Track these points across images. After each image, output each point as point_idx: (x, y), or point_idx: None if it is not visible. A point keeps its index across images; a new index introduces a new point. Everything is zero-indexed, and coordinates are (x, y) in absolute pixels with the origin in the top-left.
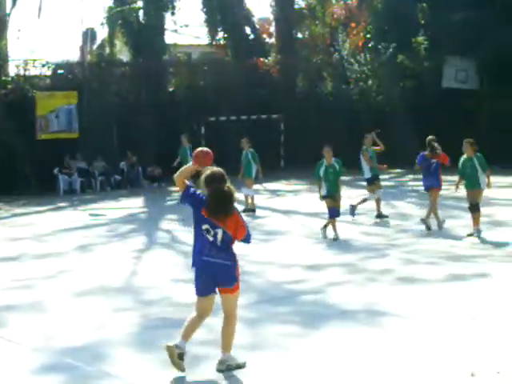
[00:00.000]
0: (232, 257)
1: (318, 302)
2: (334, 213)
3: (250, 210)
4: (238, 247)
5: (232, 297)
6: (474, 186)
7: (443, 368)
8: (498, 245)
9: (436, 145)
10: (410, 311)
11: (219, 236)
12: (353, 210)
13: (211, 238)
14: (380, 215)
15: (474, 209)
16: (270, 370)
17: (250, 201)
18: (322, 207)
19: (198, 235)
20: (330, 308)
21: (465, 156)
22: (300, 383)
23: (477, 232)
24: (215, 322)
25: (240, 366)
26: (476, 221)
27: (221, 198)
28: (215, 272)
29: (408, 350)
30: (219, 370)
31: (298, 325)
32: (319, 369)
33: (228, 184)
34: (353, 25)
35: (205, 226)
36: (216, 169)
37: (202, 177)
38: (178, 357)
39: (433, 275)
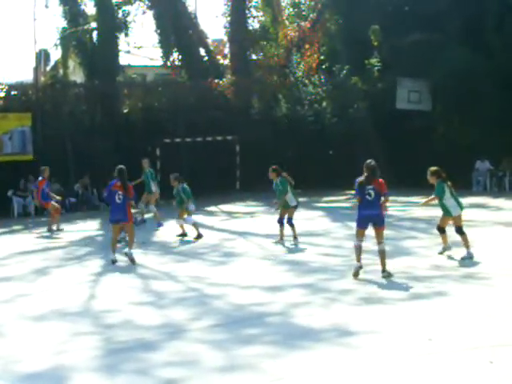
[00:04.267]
0: None
1: (284, 323)
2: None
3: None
4: (196, 271)
5: None
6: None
7: None
8: (457, 265)
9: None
10: (375, 330)
11: None
12: None
13: None
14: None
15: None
16: None
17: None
18: (276, 229)
19: None
20: (297, 328)
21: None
22: None
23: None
24: (180, 344)
25: None
26: (466, 243)
27: None
28: None
29: (376, 368)
30: None
31: (267, 345)
32: None
33: None
34: (307, 46)
35: None
36: None
37: None
38: None
39: (393, 295)
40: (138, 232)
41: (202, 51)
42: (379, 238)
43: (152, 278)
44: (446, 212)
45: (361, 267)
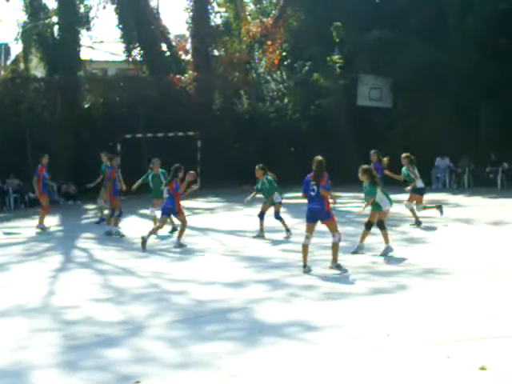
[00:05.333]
0: None
1: (245, 319)
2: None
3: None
4: (157, 266)
5: None
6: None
7: None
8: (418, 260)
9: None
10: (336, 325)
11: None
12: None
13: None
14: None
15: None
16: None
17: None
18: (239, 225)
19: None
20: (258, 324)
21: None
22: None
23: (388, 249)
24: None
25: None
26: (385, 238)
27: None
28: None
29: (334, 364)
30: None
31: (227, 342)
32: None
33: None
34: (269, 43)
35: None
36: None
37: None
38: None
39: (355, 290)
40: (96, 228)
41: (164, 47)
42: (331, 231)
43: (112, 274)
44: (377, 207)
45: (305, 266)
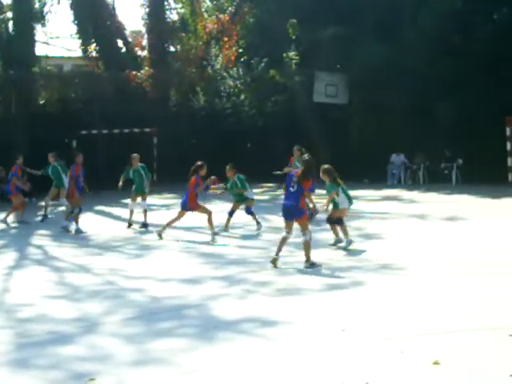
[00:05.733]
0: None
1: (201, 315)
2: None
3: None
4: (112, 263)
5: None
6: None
7: (313, 380)
8: (373, 256)
9: None
10: (292, 321)
11: None
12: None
13: None
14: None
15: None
16: None
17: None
18: (196, 221)
19: None
20: (214, 321)
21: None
22: None
23: (348, 242)
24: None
25: None
26: (345, 232)
27: None
28: None
29: (290, 359)
30: None
31: (183, 338)
32: (208, 382)
33: None
34: (225, 39)
35: None
36: None
37: None
38: None
39: (311, 286)
40: (50, 225)
41: (120, 43)
42: (301, 229)
43: (67, 271)
44: (334, 205)
45: (275, 259)
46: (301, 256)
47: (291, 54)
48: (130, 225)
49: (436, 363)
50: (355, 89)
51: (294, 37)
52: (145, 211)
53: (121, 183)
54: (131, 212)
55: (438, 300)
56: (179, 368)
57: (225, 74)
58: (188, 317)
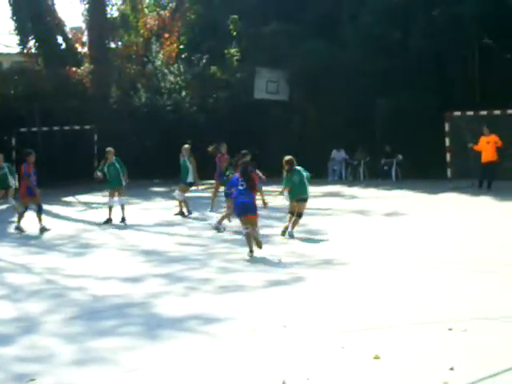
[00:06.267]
0: None
1: (144, 313)
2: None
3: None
4: (53, 262)
5: None
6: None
7: (255, 376)
8: (314, 252)
9: None
10: (234, 317)
11: None
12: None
13: None
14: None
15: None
16: None
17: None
18: (136, 219)
19: None
20: (156, 319)
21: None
22: None
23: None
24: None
25: None
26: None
27: None
28: None
29: (233, 356)
30: None
31: (126, 337)
32: (150, 380)
33: None
34: (166, 35)
35: None
36: None
37: None
38: None
39: (253, 282)
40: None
41: (60, 39)
42: (252, 224)
43: (6, 271)
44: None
45: (251, 252)
46: (242, 254)
47: (232, 50)
48: (109, 220)
49: (376, 358)
50: (296, 85)
51: (235, 33)
52: (122, 206)
53: (98, 174)
54: (110, 208)
55: (380, 295)
56: (122, 367)
57: (166, 70)
58: (130, 315)
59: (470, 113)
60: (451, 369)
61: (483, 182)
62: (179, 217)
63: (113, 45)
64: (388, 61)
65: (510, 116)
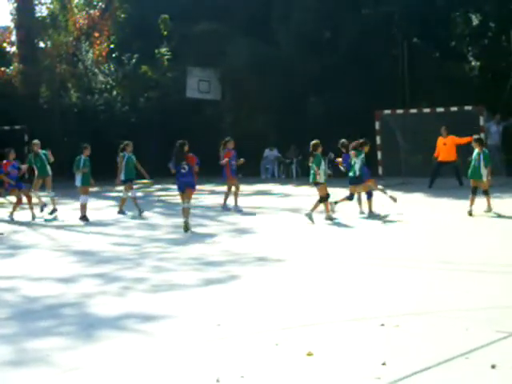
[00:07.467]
0: None
1: (79, 313)
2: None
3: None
4: None
5: None
6: None
7: (189, 375)
8: (248, 250)
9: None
10: (169, 316)
11: None
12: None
13: None
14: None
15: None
16: None
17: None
18: (68, 219)
19: None
20: (92, 318)
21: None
22: None
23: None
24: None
25: None
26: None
27: None
28: None
29: (169, 354)
30: None
31: (62, 337)
32: (87, 380)
33: None
34: (96, 34)
35: None
36: None
37: None
38: None
39: (187, 281)
40: None
41: None
42: (187, 197)
43: None
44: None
45: (186, 223)
46: (175, 253)
47: (163, 49)
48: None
49: (309, 354)
50: (228, 84)
51: (165, 32)
52: (52, 198)
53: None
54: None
55: (314, 292)
56: (59, 367)
57: (96, 70)
58: (65, 315)
59: (400, 111)
60: (383, 364)
61: (433, 182)
62: (114, 216)
63: (42, 44)
64: (319, 60)
65: (439, 114)
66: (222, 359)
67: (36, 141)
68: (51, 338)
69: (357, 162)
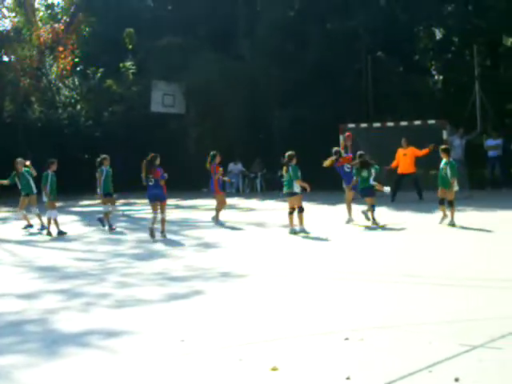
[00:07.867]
0: None
1: (42, 330)
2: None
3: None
4: None
5: None
6: None
7: None
8: (211, 265)
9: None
10: (133, 332)
11: None
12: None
13: None
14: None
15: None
16: None
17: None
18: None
19: None
20: (55, 335)
21: None
22: None
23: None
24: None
25: None
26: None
27: None
28: None
29: (133, 371)
30: None
31: (24, 354)
32: None
33: None
34: (60, 48)
35: None
36: None
37: None
38: None
39: (151, 297)
40: None
41: None
42: (162, 209)
43: None
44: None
45: (152, 230)
46: (139, 268)
47: (128, 63)
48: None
49: (274, 369)
50: (192, 99)
51: (130, 46)
52: (38, 215)
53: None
54: (25, 216)
55: (279, 306)
56: None
57: (60, 84)
58: (28, 332)
59: (364, 125)
60: (347, 378)
61: (395, 195)
62: (75, 231)
63: (6, 58)
64: (284, 74)
65: (402, 127)
66: (185, 375)
67: (20, 159)
68: (13, 355)
69: (372, 174)
